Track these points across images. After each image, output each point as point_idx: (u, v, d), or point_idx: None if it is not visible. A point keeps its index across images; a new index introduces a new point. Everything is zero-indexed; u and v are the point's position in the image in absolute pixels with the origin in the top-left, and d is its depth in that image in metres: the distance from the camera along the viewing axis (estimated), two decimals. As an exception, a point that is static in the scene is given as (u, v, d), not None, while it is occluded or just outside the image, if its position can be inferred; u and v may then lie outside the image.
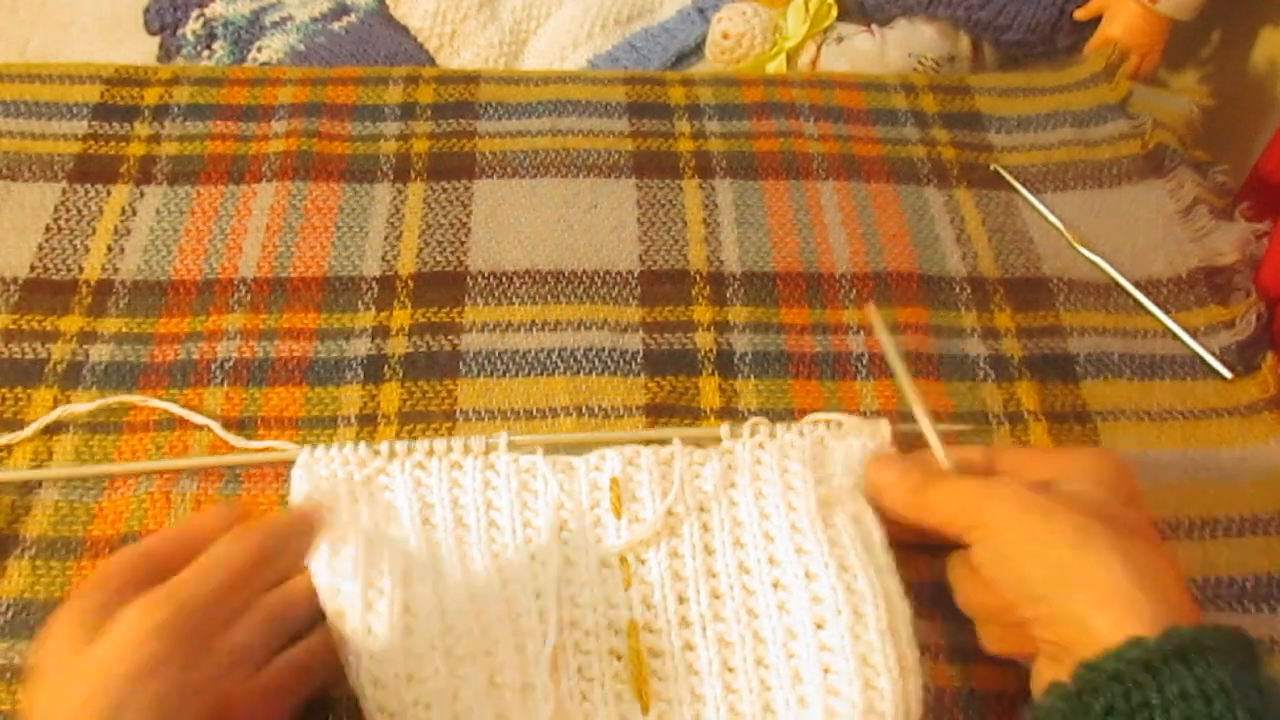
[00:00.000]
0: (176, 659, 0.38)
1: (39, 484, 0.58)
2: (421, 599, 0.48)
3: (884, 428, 0.54)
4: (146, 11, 0.97)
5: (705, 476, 0.53)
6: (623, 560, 0.50)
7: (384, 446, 0.52)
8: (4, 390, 0.62)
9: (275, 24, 0.96)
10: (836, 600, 0.47)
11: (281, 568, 0.45)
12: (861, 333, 0.67)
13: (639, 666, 0.47)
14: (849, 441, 0.54)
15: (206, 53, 0.95)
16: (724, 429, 0.54)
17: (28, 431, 0.59)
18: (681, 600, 0.49)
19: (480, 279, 0.68)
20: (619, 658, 0.48)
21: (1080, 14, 0.88)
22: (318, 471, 0.53)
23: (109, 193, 0.72)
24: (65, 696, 0.37)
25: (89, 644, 0.37)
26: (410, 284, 0.68)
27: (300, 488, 0.53)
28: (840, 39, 0.93)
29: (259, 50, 0.94)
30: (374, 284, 0.68)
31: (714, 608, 0.49)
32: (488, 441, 0.54)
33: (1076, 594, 0.42)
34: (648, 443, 0.55)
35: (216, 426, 0.59)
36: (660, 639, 0.48)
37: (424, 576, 0.49)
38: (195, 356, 0.63)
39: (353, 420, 0.61)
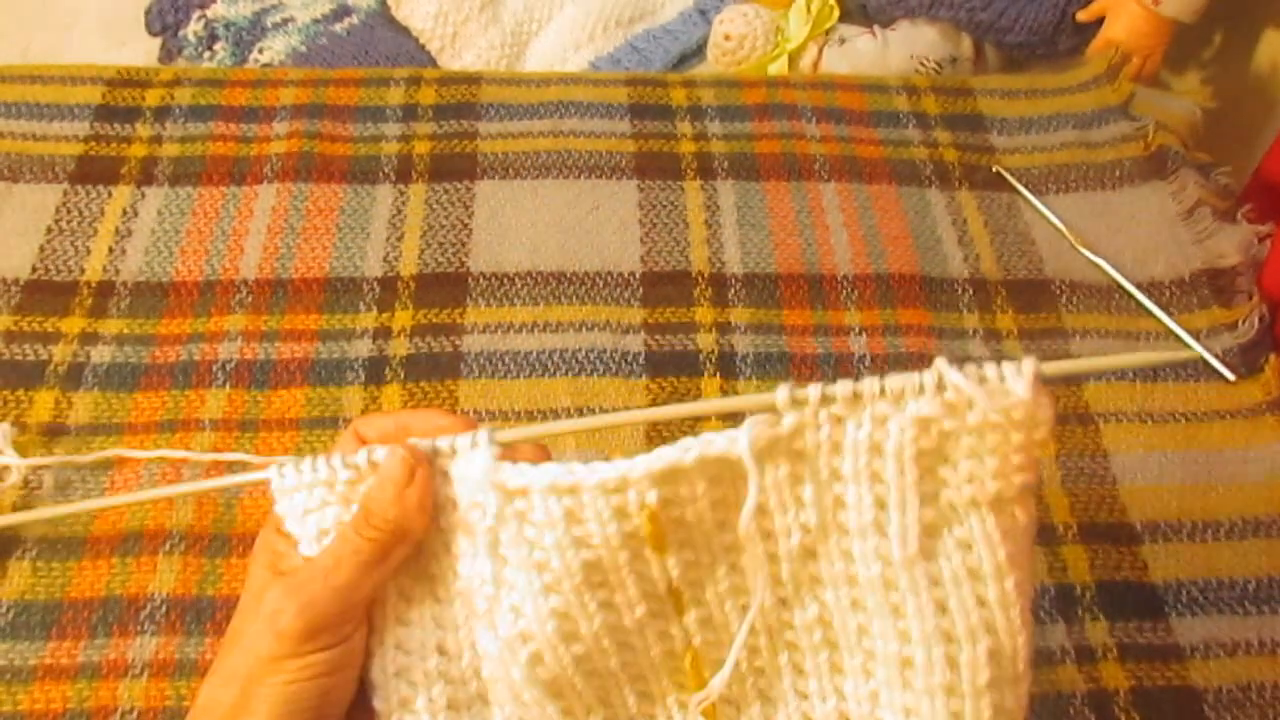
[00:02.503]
0: (303, 650, 0.38)
1: (39, 482, 0.58)
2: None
3: (1027, 369, 0.36)
4: (148, 13, 0.97)
5: (766, 480, 0.39)
6: (670, 590, 0.41)
7: (362, 458, 0.41)
8: (5, 392, 0.62)
9: (277, 25, 0.96)
10: (929, 649, 0.39)
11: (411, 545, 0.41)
12: (864, 334, 0.66)
13: (701, 690, 0.42)
14: (979, 418, 0.37)
15: (208, 54, 0.95)
16: (781, 395, 0.38)
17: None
18: (744, 609, 0.41)
19: (482, 280, 0.68)
20: (681, 686, 0.43)
21: (1082, 16, 0.89)
22: (297, 499, 0.42)
23: (110, 194, 0.72)
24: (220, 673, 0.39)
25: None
26: (412, 285, 0.68)
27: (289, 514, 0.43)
28: (842, 40, 0.93)
29: (260, 51, 0.94)
30: (375, 285, 0.68)
31: (782, 616, 0.42)
32: (470, 441, 0.41)
33: None
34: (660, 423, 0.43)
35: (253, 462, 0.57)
36: (725, 650, 0.42)
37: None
38: (197, 358, 0.63)
39: (354, 421, 0.61)
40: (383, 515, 0.40)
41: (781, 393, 0.37)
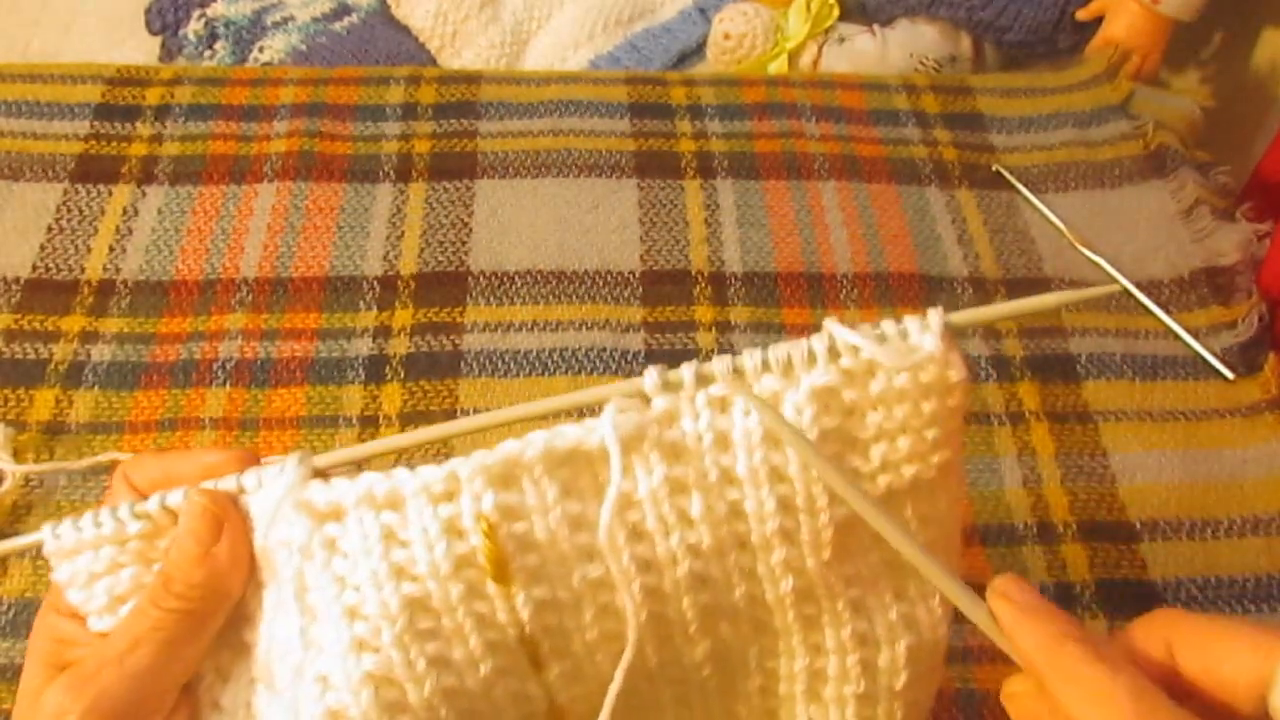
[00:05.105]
0: None
1: (39, 481, 0.58)
2: None
3: (935, 319, 0.31)
4: (148, 12, 0.97)
5: (640, 490, 0.32)
6: (523, 640, 0.32)
7: (154, 505, 0.33)
8: (6, 390, 0.62)
9: (277, 24, 0.96)
10: (843, 657, 0.34)
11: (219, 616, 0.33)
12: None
13: None
14: (883, 385, 0.31)
15: (208, 53, 0.95)
16: (649, 379, 0.32)
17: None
18: (620, 656, 0.33)
19: (482, 279, 0.68)
20: None
21: (1082, 14, 0.88)
22: (81, 563, 0.34)
23: (111, 193, 0.72)
24: None
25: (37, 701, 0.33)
26: (412, 284, 0.68)
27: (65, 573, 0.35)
28: (842, 39, 0.93)
29: (260, 50, 0.94)
30: (375, 284, 0.68)
31: (663, 655, 0.34)
32: (259, 473, 0.33)
33: None
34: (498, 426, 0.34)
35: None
36: (596, 700, 0.33)
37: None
38: (197, 356, 0.63)
39: (354, 421, 0.61)
40: (186, 581, 0.32)
41: (650, 376, 0.31)
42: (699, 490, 0.31)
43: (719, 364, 0.31)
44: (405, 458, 0.35)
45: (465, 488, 0.30)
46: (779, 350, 0.31)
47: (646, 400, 0.31)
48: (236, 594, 0.33)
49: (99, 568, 0.33)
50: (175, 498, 0.33)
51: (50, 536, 0.33)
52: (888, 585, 0.34)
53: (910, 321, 0.31)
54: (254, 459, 0.34)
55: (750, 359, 0.31)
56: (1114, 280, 0.69)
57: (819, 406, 0.31)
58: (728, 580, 0.33)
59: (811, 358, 0.31)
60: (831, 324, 0.31)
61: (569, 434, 0.31)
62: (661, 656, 0.34)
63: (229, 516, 0.32)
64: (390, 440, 0.34)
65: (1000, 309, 0.33)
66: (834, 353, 0.31)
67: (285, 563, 0.32)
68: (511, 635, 0.32)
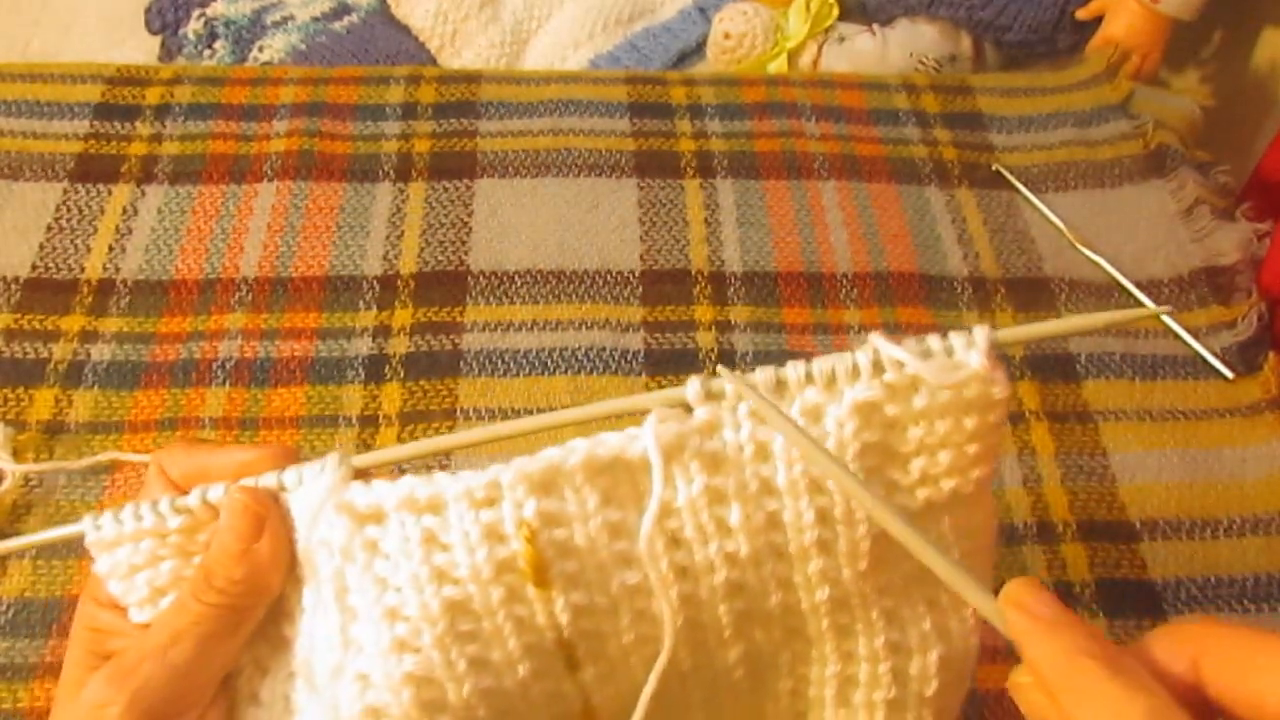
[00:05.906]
0: None
1: (39, 481, 0.58)
2: None
3: (981, 337, 0.31)
4: (148, 11, 0.97)
5: (679, 499, 0.32)
6: (560, 643, 0.33)
7: (195, 500, 0.33)
8: (5, 390, 0.62)
9: (276, 23, 0.96)
10: (875, 665, 0.34)
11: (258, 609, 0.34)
12: (863, 332, 0.67)
13: None
14: (926, 401, 0.31)
15: (208, 52, 0.95)
16: (692, 389, 0.32)
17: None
18: (653, 660, 0.33)
19: (481, 278, 0.68)
20: None
21: (1082, 14, 0.89)
22: (121, 555, 0.34)
23: (110, 192, 0.72)
24: None
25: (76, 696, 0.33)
26: (411, 283, 0.68)
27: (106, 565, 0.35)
28: (841, 39, 0.93)
29: (260, 50, 0.94)
30: (375, 283, 0.68)
31: (697, 659, 0.35)
32: (300, 470, 0.33)
33: None
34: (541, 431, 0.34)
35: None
36: (628, 700, 0.34)
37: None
38: (197, 356, 0.63)
39: (354, 421, 0.61)
40: (227, 577, 0.32)
41: (692, 385, 0.32)
42: (738, 500, 0.32)
43: (761, 375, 0.32)
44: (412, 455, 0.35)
45: (507, 494, 0.31)
46: (823, 363, 0.32)
47: (688, 409, 0.32)
48: (276, 590, 0.34)
49: (139, 560, 0.34)
50: (216, 493, 0.33)
51: (91, 528, 0.34)
52: (921, 595, 0.34)
53: (956, 338, 0.31)
54: (291, 455, 0.35)
55: (794, 370, 0.32)
56: (1116, 280, 0.69)
57: (861, 420, 0.31)
58: (764, 588, 0.33)
59: (855, 371, 0.31)
60: (876, 338, 0.31)
61: (610, 442, 0.32)
62: (695, 660, 0.35)
63: (270, 514, 0.33)
64: (432, 441, 0.34)
65: (1047, 327, 0.33)
66: (877, 367, 0.31)
67: (325, 562, 0.32)
68: (549, 638, 0.33)
